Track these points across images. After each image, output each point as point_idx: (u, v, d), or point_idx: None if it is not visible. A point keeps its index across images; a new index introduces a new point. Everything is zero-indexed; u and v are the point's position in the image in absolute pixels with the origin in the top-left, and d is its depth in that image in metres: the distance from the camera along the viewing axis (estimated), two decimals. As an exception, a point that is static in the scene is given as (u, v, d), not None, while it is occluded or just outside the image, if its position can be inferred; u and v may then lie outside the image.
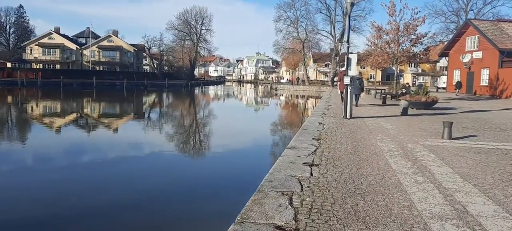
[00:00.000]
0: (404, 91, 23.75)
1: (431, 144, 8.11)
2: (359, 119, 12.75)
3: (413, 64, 68.55)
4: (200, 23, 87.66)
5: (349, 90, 12.45)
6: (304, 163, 5.86)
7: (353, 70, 12.51)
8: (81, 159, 12.04)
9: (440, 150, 7.42)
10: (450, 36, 52.87)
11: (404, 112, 14.51)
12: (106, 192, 8.39)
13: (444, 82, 53.23)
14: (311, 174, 5.28)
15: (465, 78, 35.36)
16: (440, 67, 77.37)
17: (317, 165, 5.81)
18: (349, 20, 12.51)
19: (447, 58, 42.69)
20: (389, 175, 5.40)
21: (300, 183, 4.83)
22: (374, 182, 5.01)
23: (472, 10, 62.34)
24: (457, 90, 31.82)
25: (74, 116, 25.00)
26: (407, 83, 37.71)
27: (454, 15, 64.51)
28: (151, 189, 8.51)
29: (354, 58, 12.62)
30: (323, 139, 8.29)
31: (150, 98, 43.45)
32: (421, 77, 74.75)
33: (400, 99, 22.01)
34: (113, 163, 11.50)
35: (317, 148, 7.22)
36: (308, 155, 6.58)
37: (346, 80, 12.50)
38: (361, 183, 4.94)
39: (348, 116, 12.56)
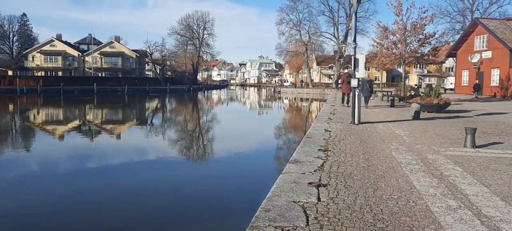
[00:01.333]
0: (412, 94, 22.72)
1: (453, 154, 7.12)
2: (369, 124, 11.77)
3: (419, 66, 67.47)
4: (202, 27, 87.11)
5: (357, 94, 11.48)
6: (310, 183, 4.90)
7: (361, 72, 11.55)
8: (76, 170, 11.21)
9: (466, 162, 6.43)
10: (456, 37, 51.77)
11: (416, 116, 13.50)
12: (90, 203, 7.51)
13: (451, 84, 52.07)
14: (319, 199, 4.31)
15: (474, 79, 34.20)
16: (446, 68, 76.19)
17: (325, 185, 4.84)
18: (356, 18, 11.56)
19: (454, 58, 41.59)
20: (414, 198, 4.43)
21: (305, 212, 3.87)
22: (397, 209, 4.04)
23: (477, 9, 61.17)
24: (476, 92, 29.09)
25: (72, 124, 24.15)
26: (416, 84, 36.54)
27: (459, 15, 63.31)
28: (121, 215, 7.38)
29: (361, 58, 11.67)
30: (330, 150, 7.33)
31: (149, 105, 42.62)
32: (427, 78, 73.54)
33: (409, 102, 21.06)
34: (100, 175, 10.59)
35: (325, 162, 6.26)
36: (314, 171, 5.61)
37: (354, 82, 11.54)
38: (381, 210, 3.97)
39: (356, 121, 11.59)
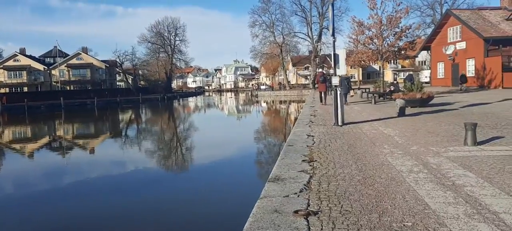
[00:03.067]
0: (392, 89, 22.07)
1: (457, 155, 6.17)
2: (353, 124, 10.80)
3: (393, 61, 67.83)
4: (173, 34, 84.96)
5: (338, 93, 10.49)
6: (296, 211, 3.78)
7: (342, 68, 10.57)
8: (48, 191, 9.79)
9: (475, 164, 5.48)
10: (427, 30, 52.08)
11: (402, 112, 12.66)
12: None
13: (426, 77, 52.42)
14: (310, 237, 3.20)
15: (450, 71, 34.15)
16: (419, 62, 77.12)
17: (316, 213, 3.73)
18: (333, 8, 10.56)
19: (428, 51, 41.63)
20: (433, 224, 3.38)
21: (293, 262, 2.74)
22: (416, 244, 2.97)
23: (446, 2, 61.99)
24: (462, 84, 27.07)
25: (34, 143, 22.30)
26: (396, 79, 36.13)
27: (429, 9, 63.96)
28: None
29: (342, 54, 10.69)
30: (316, 160, 6.25)
31: (118, 117, 40.76)
32: (402, 73, 74.11)
33: (392, 97, 20.40)
34: (69, 195, 9.21)
35: (311, 177, 5.17)
36: (300, 191, 4.51)
37: (335, 80, 10.56)
38: (397, 250, 2.89)
39: (340, 123, 10.60)
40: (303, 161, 6.18)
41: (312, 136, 8.96)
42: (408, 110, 13.94)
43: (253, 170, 11.88)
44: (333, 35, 10.54)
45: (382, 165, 5.72)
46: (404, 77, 26.94)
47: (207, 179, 11.00)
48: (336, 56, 10.39)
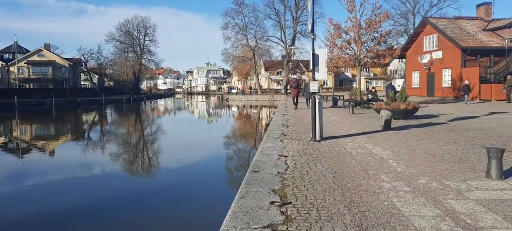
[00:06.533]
0: (370, 98, 20.62)
1: (488, 197, 4.38)
2: (334, 140, 8.95)
3: (365, 69, 67.45)
4: (143, 33, 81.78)
5: (317, 102, 8.62)
6: None
7: (322, 72, 8.71)
8: None
9: (526, 218, 3.67)
10: (400, 40, 51.75)
11: (387, 125, 11.00)
12: None
13: (399, 86, 51.99)
14: None
15: (426, 80, 33.34)
16: (391, 70, 77.33)
17: None
18: (313, 2, 8.74)
19: (401, 60, 41.01)
20: None
21: None
22: None
23: (419, 12, 62.19)
24: (465, 96, 23.84)
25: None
26: (373, 87, 34.88)
27: (402, 18, 63.98)
28: None
29: (322, 54, 8.85)
30: (291, 200, 4.29)
31: (76, 119, 37.66)
32: (374, 81, 74.04)
33: (369, 107, 18.99)
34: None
35: (283, 239, 3.19)
36: None
37: (313, 86, 8.71)
38: None
39: (318, 137, 8.73)
40: (272, 203, 4.20)
41: (285, 156, 7.01)
42: (392, 122, 12.32)
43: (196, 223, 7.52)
44: (312, 31, 8.69)
45: (390, 215, 3.82)
46: (387, 85, 25.43)
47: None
48: (315, 57, 8.53)
